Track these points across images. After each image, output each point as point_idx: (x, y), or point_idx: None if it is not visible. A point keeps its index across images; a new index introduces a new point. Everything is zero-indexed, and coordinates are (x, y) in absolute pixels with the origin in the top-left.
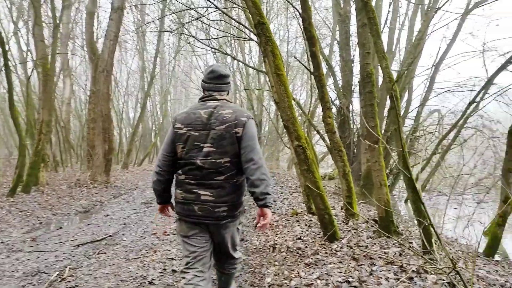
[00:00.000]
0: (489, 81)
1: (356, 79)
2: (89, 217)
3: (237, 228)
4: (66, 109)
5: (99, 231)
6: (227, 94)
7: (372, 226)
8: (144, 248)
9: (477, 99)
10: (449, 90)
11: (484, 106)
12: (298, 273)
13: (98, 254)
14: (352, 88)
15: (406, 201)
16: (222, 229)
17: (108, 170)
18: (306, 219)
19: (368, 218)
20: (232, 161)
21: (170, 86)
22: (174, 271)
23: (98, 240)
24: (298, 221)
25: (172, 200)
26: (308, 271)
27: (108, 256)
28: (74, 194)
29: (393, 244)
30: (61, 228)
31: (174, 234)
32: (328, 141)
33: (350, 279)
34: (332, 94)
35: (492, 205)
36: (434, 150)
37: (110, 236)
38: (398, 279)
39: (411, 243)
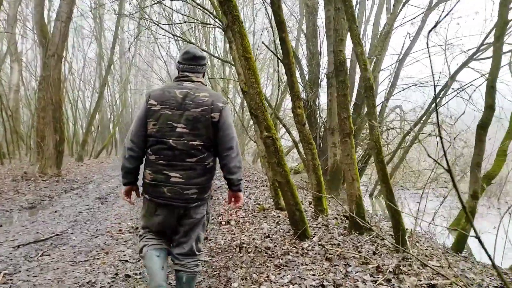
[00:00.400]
0: (453, 77)
1: (322, 73)
2: (35, 213)
3: (206, 220)
4: (14, 96)
5: (45, 230)
6: (203, 76)
7: (342, 223)
8: (95, 249)
9: (441, 95)
10: (415, 85)
11: (446, 102)
12: (268, 276)
13: (41, 256)
14: (319, 82)
15: (371, 196)
16: (190, 212)
17: (60, 162)
18: (274, 215)
19: (337, 214)
20: (204, 144)
21: (130, 75)
22: (127, 276)
23: (42, 240)
24: (265, 217)
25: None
26: (279, 273)
27: (53, 258)
28: (19, 188)
29: (365, 241)
30: (0, 226)
31: (130, 233)
32: (294, 135)
33: (325, 283)
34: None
35: (451, 199)
36: (398, 145)
37: (57, 235)
38: (376, 281)
39: (383, 239)
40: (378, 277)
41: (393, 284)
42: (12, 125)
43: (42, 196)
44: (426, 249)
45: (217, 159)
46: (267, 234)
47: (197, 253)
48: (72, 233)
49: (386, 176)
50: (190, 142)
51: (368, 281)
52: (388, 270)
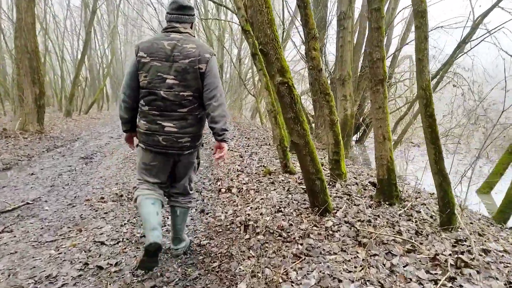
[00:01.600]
0: (478, 22)
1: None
2: (7, 177)
3: (198, 163)
4: None
5: (15, 197)
6: (191, 27)
7: (365, 190)
8: (67, 224)
9: (467, 40)
10: (441, 27)
11: (471, 49)
12: (286, 273)
13: (0, 233)
14: (327, 25)
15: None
16: (184, 158)
17: (41, 117)
18: (283, 180)
19: (355, 179)
20: (194, 95)
21: (118, 24)
22: (99, 268)
23: (8, 211)
24: (272, 183)
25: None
26: (301, 269)
27: (15, 236)
28: None
29: (400, 215)
30: None
31: (113, 201)
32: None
33: (369, 286)
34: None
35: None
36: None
37: (27, 204)
38: (436, 282)
39: (419, 212)
40: (436, 274)
41: (461, 285)
42: None
43: (20, 155)
44: (471, 224)
45: None
46: (278, 208)
47: (190, 191)
48: (45, 201)
49: (435, 135)
50: (181, 93)
51: (425, 281)
52: (448, 264)
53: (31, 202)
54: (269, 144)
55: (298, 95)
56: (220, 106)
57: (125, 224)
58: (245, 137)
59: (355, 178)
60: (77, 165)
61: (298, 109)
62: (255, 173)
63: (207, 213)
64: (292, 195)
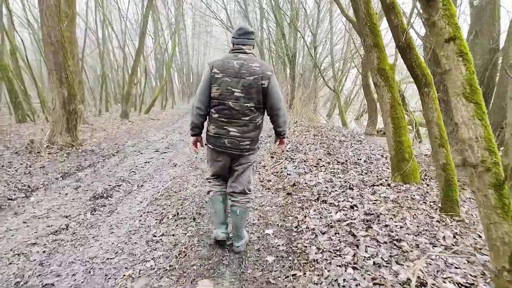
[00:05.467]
0: None
1: None
2: None
3: (253, 168)
4: None
5: None
6: (252, 48)
7: None
8: None
9: None
10: None
11: None
12: None
13: None
14: None
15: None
16: (244, 158)
17: (73, 126)
18: None
19: None
20: (255, 106)
21: (184, 16)
22: None
23: None
24: None
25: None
26: None
27: None
28: (9, 167)
29: None
30: None
31: None
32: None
33: None
34: None
35: None
36: None
37: None
38: None
39: None
40: None
41: None
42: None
43: (20, 188)
44: None
45: (264, 118)
46: None
47: (248, 192)
48: None
49: None
50: (245, 104)
51: None
52: None
53: None
54: (384, 157)
55: None
56: (284, 115)
57: None
58: (335, 160)
59: None
60: (79, 214)
61: None
62: None
63: None
64: None
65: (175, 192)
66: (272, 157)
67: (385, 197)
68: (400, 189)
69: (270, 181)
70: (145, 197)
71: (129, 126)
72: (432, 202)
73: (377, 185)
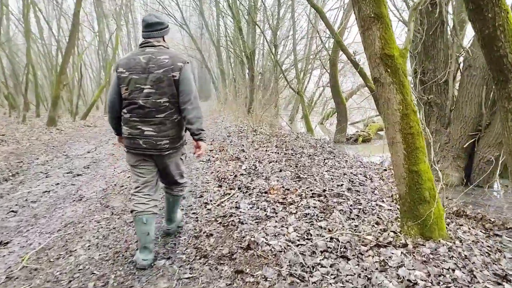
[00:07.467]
0: None
1: None
2: None
3: (181, 158)
4: None
5: None
6: (163, 39)
7: None
8: None
9: None
10: None
11: None
12: None
13: None
14: None
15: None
16: (165, 159)
17: None
18: None
19: None
20: (170, 101)
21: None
22: None
23: None
24: None
25: None
26: None
27: None
28: None
29: None
30: None
31: None
32: None
33: None
34: None
35: None
36: None
37: None
38: None
39: None
40: None
41: None
42: None
43: None
44: None
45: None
46: None
47: (181, 181)
48: None
49: None
50: (157, 100)
51: None
52: None
53: None
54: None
55: None
56: (195, 109)
57: None
58: (309, 188)
59: None
60: None
61: None
62: None
63: None
64: None
65: (50, 261)
66: (220, 186)
67: (409, 280)
68: (424, 254)
69: (212, 235)
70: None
71: (52, 136)
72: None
73: (385, 245)
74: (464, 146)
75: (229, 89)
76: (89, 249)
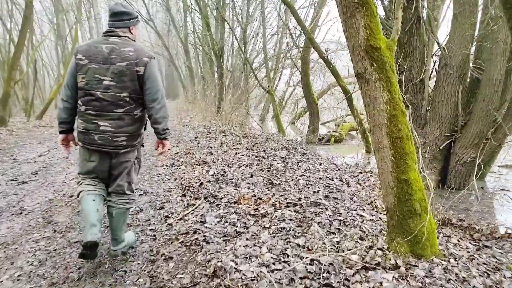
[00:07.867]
0: None
1: None
2: None
3: (135, 163)
4: None
5: None
6: (130, 31)
7: None
8: None
9: None
10: None
11: None
12: None
13: None
14: None
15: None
16: (121, 157)
17: None
18: None
19: None
20: (131, 96)
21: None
22: None
23: None
24: None
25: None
26: None
27: None
28: None
29: None
30: None
31: None
32: None
33: None
34: None
35: None
36: None
37: None
38: None
39: None
40: None
41: None
42: None
43: None
44: None
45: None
46: None
47: (128, 192)
48: None
49: None
50: (117, 94)
51: None
52: None
53: None
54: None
55: None
56: (162, 108)
57: None
58: (283, 197)
59: None
60: None
61: None
62: None
63: None
64: None
65: None
66: (184, 196)
67: None
68: (418, 277)
69: (171, 258)
70: None
71: (1, 138)
72: None
73: (373, 268)
74: (440, 147)
75: (197, 88)
76: (18, 280)
